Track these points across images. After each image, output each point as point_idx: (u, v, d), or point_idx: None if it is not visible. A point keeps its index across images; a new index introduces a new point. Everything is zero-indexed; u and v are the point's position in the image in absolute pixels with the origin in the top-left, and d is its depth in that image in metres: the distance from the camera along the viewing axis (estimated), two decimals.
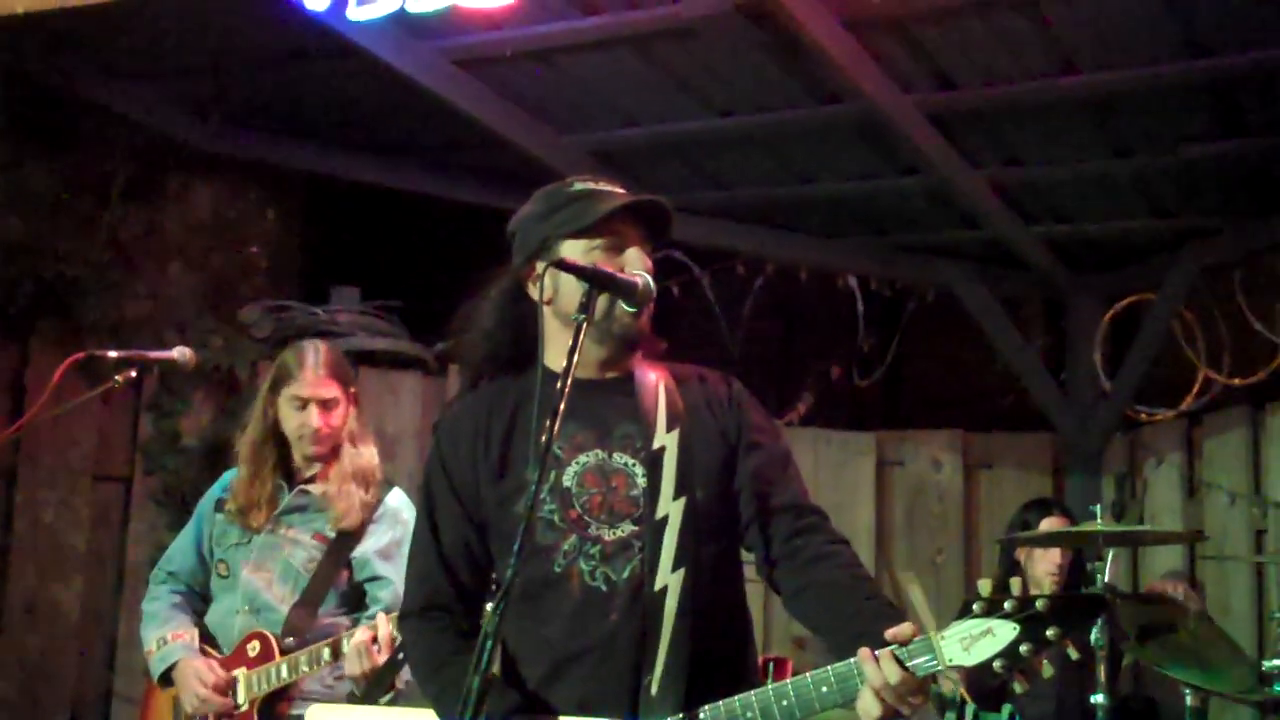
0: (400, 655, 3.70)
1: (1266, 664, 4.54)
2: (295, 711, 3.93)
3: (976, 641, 2.25)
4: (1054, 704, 5.41)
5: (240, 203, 6.84)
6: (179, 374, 6.12)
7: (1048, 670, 4.97)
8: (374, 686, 3.72)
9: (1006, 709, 4.68)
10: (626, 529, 2.55)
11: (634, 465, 2.58)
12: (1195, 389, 6.69)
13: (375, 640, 3.67)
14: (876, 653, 2.28)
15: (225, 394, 6.29)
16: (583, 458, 2.60)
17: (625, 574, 2.52)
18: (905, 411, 8.11)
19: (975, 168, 6.02)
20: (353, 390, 4.09)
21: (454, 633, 2.64)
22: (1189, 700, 4.79)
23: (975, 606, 2.26)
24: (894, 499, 7.21)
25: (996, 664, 2.23)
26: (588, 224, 2.60)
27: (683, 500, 2.54)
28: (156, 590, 4.21)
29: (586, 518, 2.56)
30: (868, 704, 2.28)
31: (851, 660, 2.30)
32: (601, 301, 2.54)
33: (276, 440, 4.08)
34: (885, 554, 7.05)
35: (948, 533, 7.11)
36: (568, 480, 2.58)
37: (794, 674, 2.42)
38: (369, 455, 4.07)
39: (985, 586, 2.37)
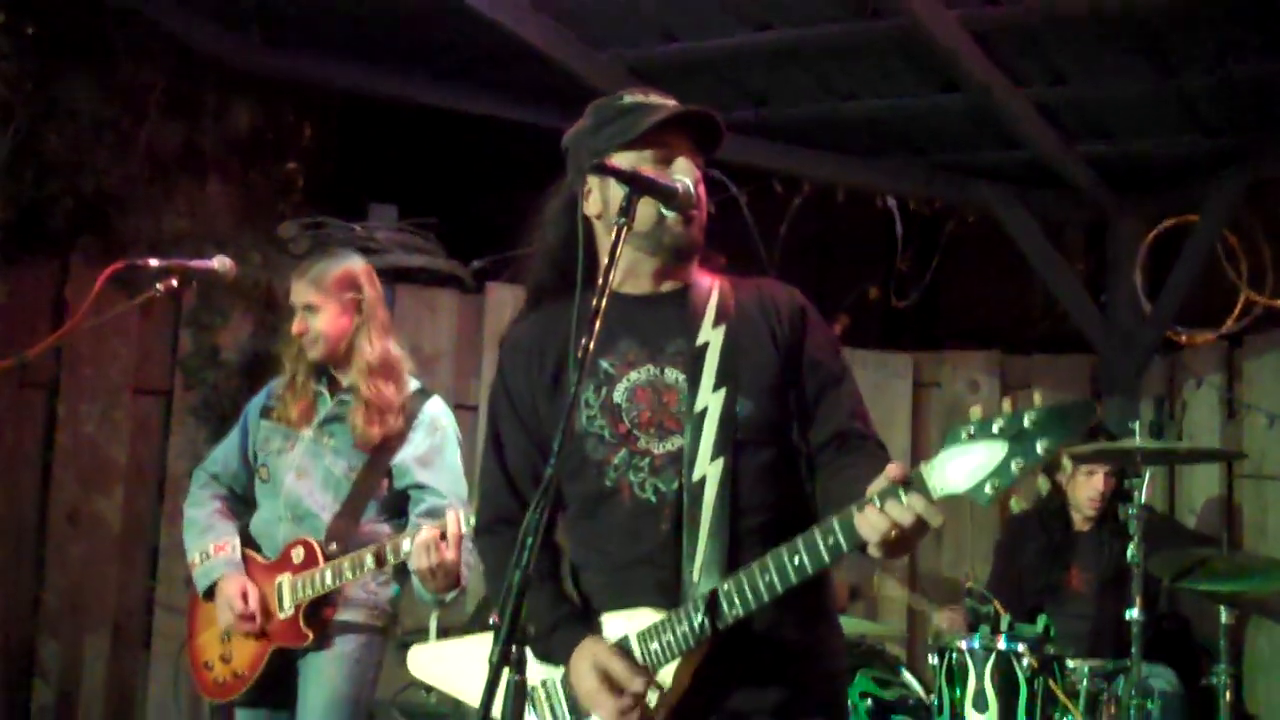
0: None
1: None
2: (340, 617, 4.01)
3: (966, 467, 2.21)
4: (1090, 619, 5.45)
5: (278, 120, 6.83)
6: (218, 289, 6.18)
7: (1044, 485, 4.99)
8: (437, 579, 3.75)
9: (1042, 620, 4.70)
10: (675, 443, 2.58)
11: (682, 379, 2.61)
12: (1237, 311, 6.64)
13: (444, 536, 3.71)
14: (872, 495, 2.27)
15: (264, 309, 6.31)
16: (634, 374, 2.63)
17: (674, 485, 2.56)
18: (942, 333, 8.07)
19: (1018, 86, 5.94)
20: (351, 297, 4.11)
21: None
22: (1224, 619, 4.81)
23: (963, 432, 2.22)
24: (930, 420, 7.21)
25: (988, 485, 2.18)
26: (636, 135, 2.61)
27: (722, 392, 2.57)
28: (199, 494, 4.27)
29: (635, 432, 2.60)
30: (872, 548, 2.29)
31: (852, 508, 2.30)
32: (649, 211, 2.57)
33: (300, 352, 4.16)
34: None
35: None
36: (618, 396, 2.62)
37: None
38: (383, 349, 4.11)
39: (975, 413, 2.35)
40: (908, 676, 5.22)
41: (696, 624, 2.44)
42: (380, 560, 3.85)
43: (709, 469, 2.53)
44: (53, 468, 6.19)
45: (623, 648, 2.53)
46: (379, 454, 4.06)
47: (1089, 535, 5.63)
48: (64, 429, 6.21)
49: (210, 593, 4.09)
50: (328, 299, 4.09)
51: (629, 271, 2.68)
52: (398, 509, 4.11)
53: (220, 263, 3.93)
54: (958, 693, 4.63)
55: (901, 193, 7.14)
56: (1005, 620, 4.68)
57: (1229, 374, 6.66)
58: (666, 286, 2.70)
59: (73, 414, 6.21)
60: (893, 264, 7.43)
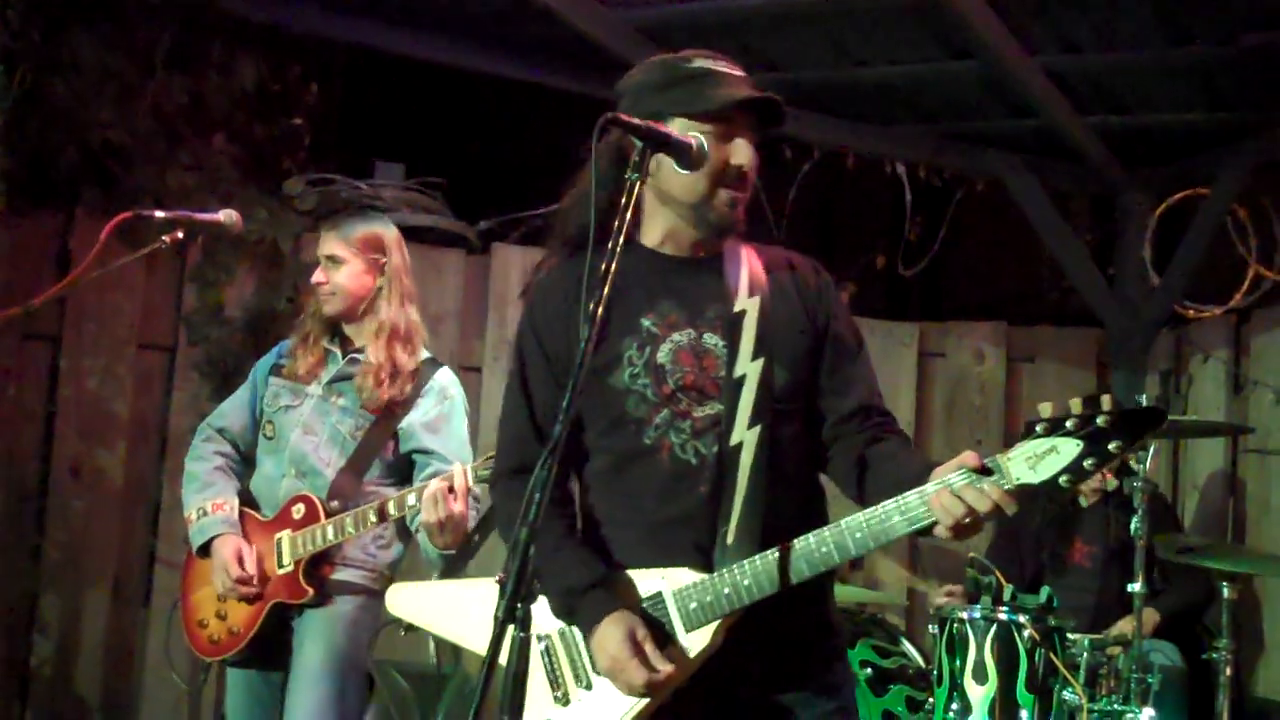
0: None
1: None
2: (337, 576, 4.00)
3: (1042, 460, 2.33)
4: (1092, 593, 5.45)
5: (284, 75, 6.78)
6: (223, 245, 6.16)
7: (1111, 483, 5.00)
8: (445, 533, 3.74)
9: (1044, 591, 4.69)
10: (714, 408, 2.62)
11: (721, 345, 2.65)
12: (1245, 285, 6.61)
13: (452, 490, 3.70)
14: (947, 477, 2.37)
15: (268, 266, 6.28)
16: (676, 335, 2.66)
17: (714, 449, 2.60)
18: (949, 303, 8.05)
19: (1030, 54, 5.90)
20: (376, 259, 4.10)
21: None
22: (1226, 594, 4.81)
23: (1039, 427, 2.33)
24: (935, 390, 7.19)
25: (1063, 479, 2.32)
26: (708, 109, 2.60)
27: (760, 361, 2.62)
28: (202, 448, 4.25)
29: (679, 394, 2.63)
30: (941, 529, 2.38)
31: (925, 488, 2.39)
32: (700, 185, 2.61)
33: (316, 308, 4.16)
34: (923, 445, 7.04)
35: (987, 425, 7.09)
36: (662, 357, 2.65)
37: None
38: (401, 314, 4.10)
39: (1046, 409, 2.39)
40: (907, 646, 5.22)
41: (744, 587, 2.49)
42: (383, 514, 3.84)
43: (746, 435, 2.58)
44: (55, 421, 6.18)
45: (656, 604, 2.57)
46: (386, 416, 4.04)
47: (1093, 508, 5.63)
48: (67, 383, 6.19)
49: (205, 549, 4.08)
50: (353, 255, 4.09)
51: (669, 235, 2.72)
52: (402, 473, 4.10)
53: (227, 216, 3.90)
54: (957, 663, 4.62)
55: (911, 160, 7.10)
56: (1008, 591, 4.67)
57: (1236, 349, 6.65)
58: (704, 250, 2.74)
59: (75, 368, 6.18)
60: (901, 232, 7.38)
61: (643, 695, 2.55)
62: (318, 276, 4.10)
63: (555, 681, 2.67)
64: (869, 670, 4.95)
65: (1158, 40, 5.72)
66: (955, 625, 4.65)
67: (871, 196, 7.74)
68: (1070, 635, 4.67)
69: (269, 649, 4.01)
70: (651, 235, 2.73)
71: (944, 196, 7.37)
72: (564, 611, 2.65)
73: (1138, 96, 6.27)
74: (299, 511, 3.98)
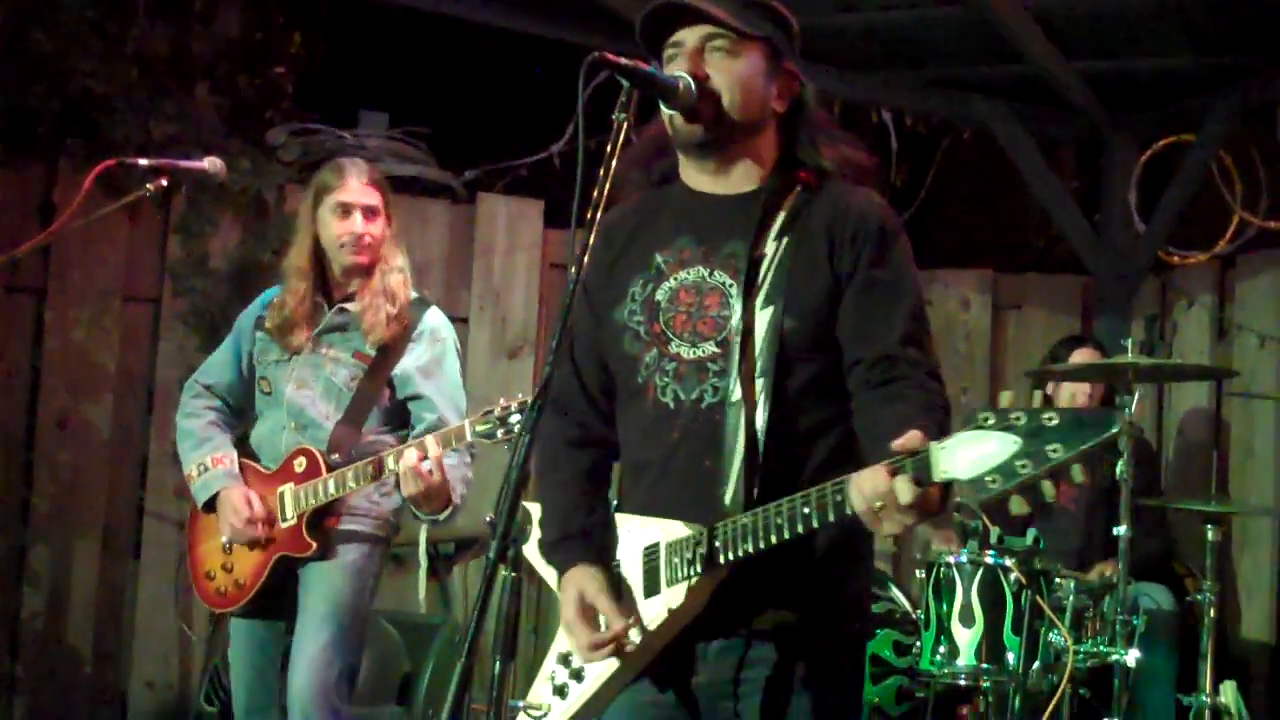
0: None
1: None
2: (343, 526, 4.01)
3: (975, 455, 2.09)
4: (1078, 535, 5.48)
5: (267, 24, 6.74)
6: (206, 196, 6.13)
7: (1049, 492, 5.04)
8: (429, 503, 3.78)
9: (1031, 533, 4.72)
10: (707, 349, 2.51)
11: (731, 285, 2.52)
12: (1230, 232, 6.62)
13: (424, 459, 3.71)
14: (869, 467, 2.21)
15: (253, 217, 6.25)
16: (683, 273, 2.57)
17: (693, 395, 2.51)
18: (935, 251, 8.05)
19: None
20: (389, 212, 4.11)
21: (575, 428, 2.70)
22: (1210, 536, 4.84)
23: (981, 418, 2.10)
24: None
25: (990, 479, 2.07)
26: (641, 36, 2.57)
27: (770, 310, 2.48)
28: (192, 404, 4.24)
29: (668, 333, 2.55)
30: (863, 515, 2.22)
31: (858, 474, 2.23)
32: (663, 109, 2.53)
33: (316, 257, 4.11)
34: None
35: (974, 372, 7.10)
36: (660, 295, 2.57)
37: None
38: (399, 277, 4.10)
39: (1005, 398, 2.30)
40: (894, 591, 5.25)
41: (716, 549, 2.41)
42: (380, 471, 3.85)
43: (749, 388, 2.46)
44: (41, 373, 6.16)
45: (652, 556, 2.51)
46: (379, 364, 4.04)
47: None
48: (52, 335, 6.17)
49: (210, 505, 4.08)
50: (385, 203, 4.10)
51: (688, 169, 2.64)
52: (402, 419, 4.10)
53: (211, 163, 3.89)
54: (944, 607, 4.65)
55: (897, 107, 7.08)
56: (995, 534, 4.69)
57: (1220, 294, 6.66)
58: (736, 185, 2.61)
59: (61, 320, 6.16)
60: (887, 179, 7.37)
61: (588, 658, 2.52)
62: (357, 227, 4.03)
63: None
64: None
65: None
66: (942, 569, 4.67)
67: (865, 154, 7.71)
68: (1057, 578, 4.70)
69: (275, 600, 4.03)
70: (686, 172, 2.64)
71: (930, 144, 7.37)
72: (546, 560, 2.64)
73: (1124, 41, 6.25)
74: (301, 465, 3.98)
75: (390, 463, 3.83)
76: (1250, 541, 6.26)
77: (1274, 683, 5.96)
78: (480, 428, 3.70)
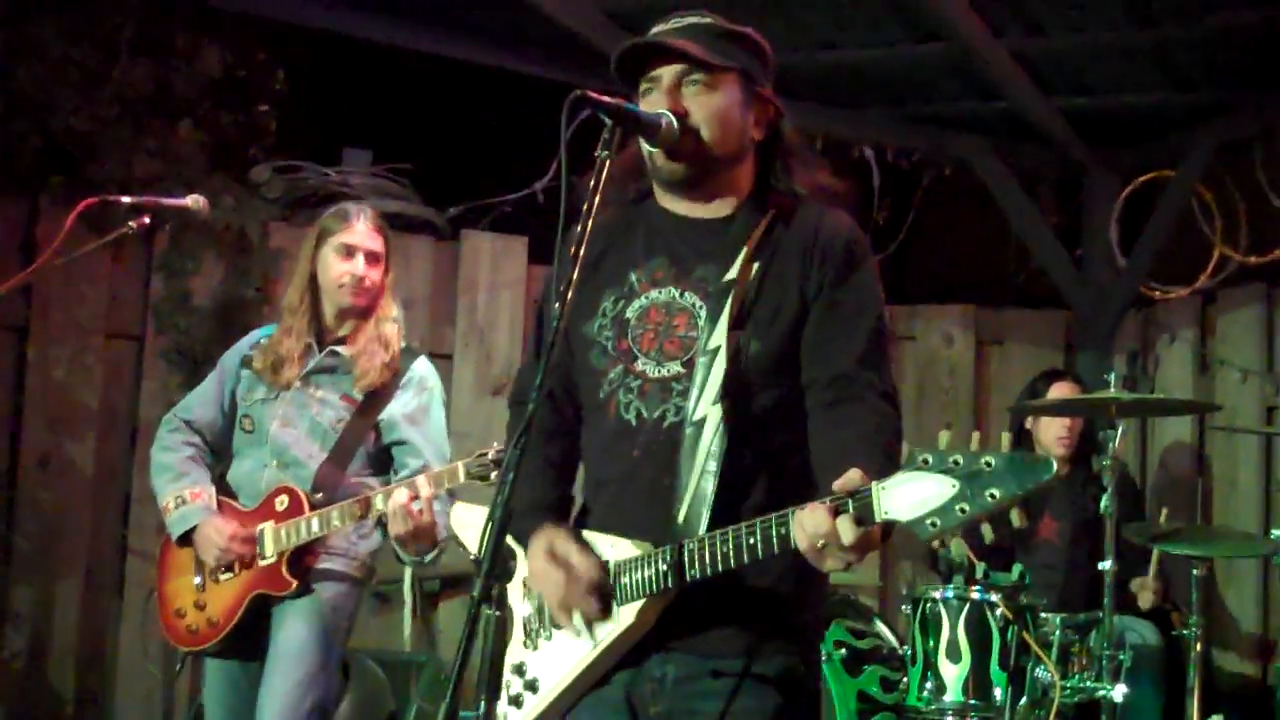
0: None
1: (1275, 532, 4.59)
2: (321, 565, 3.98)
3: (915, 497, 2.12)
4: (1060, 569, 5.48)
5: (250, 62, 6.74)
6: (190, 233, 6.12)
7: (988, 535, 5.02)
8: (416, 543, 3.77)
9: (1017, 568, 4.73)
10: (672, 369, 2.53)
11: (701, 307, 2.54)
12: (1210, 266, 6.65)
13: (415, 499, 3.71)
14: (811, 504, 2.22)
15: (236, 254, 6.24)
16: (654, 293, 2.59)
17: (656, 413, 2.52)
18: (917, 286, 8.07)
19: (997, 35, 5.92)
20: (389, 263, 4.15)
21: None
22: (1195, 572, 4.85)
23: (920, 459, 2.13)
24: (905, 373, 7.21)
25: (930, 521, 2.10)
26: (617, 71, 2.58)
27: (737, 334, 2.49)
28: (170, 438, 4.22)
29: (635, 351, 2.56)
30: (806, 552, 2.24)
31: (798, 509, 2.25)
32: (642, 147, 2.55)
33: (313, 297, 4.11)
34: None
35: (957, 408, 7.11)
36: (630, 312, 2.59)
37: None
38: (395, 327, 4.13)
39: (944, 439, 2.31)
40: (881, 626, 5.24)
41: (661, 573, 2.42)
42: (366, 511, 3.83)
43: (710, 410, 2.46)
44: (23, 412, 6.13)
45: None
46: (367, 408, 4.04)
47: (1062, 484, 5.65)
48: (34, 373, 6.13)
49: (185, 539, 4.06)
50: (386, 253, 4.14)
51: (664, 194, 2.66)
52: (385, 464, 4.10)
53: (194, 200, 3.88)
54: (931, 643, 4.65)
55: (878, 144, 7.12)
56: (980, 569, 4.69)
57: (1202, 329, 6.69)
58: (713, 210, 2.63)
59: (43, 358, 6.13)
60: (869, 216, 7.40)
61: (560, 612, 2.51)
62: (360, 269, 4.06)
63: (528, 628, 2.67)
64: (843, 651, 4.96)
65: (1123, 21, 5.76)
66: (928, 605, 4.67)
67: (840, 180, 7.73)
68: (1043, 614, 4.70)
69: (249, 640, 3.98)
70: (661, 194, 2.66)
71: (912, 180, 7.39)
72: (514, 536, 2.62)
73: (1103, 78, 6.31)
74: (283, 503, 3.96)
75: (378, 502, 3.82)
76: (1235, 576, 6.26)
77: (1261, 717, 5.95)
78: (474, 469, 3.69)
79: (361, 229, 4.09)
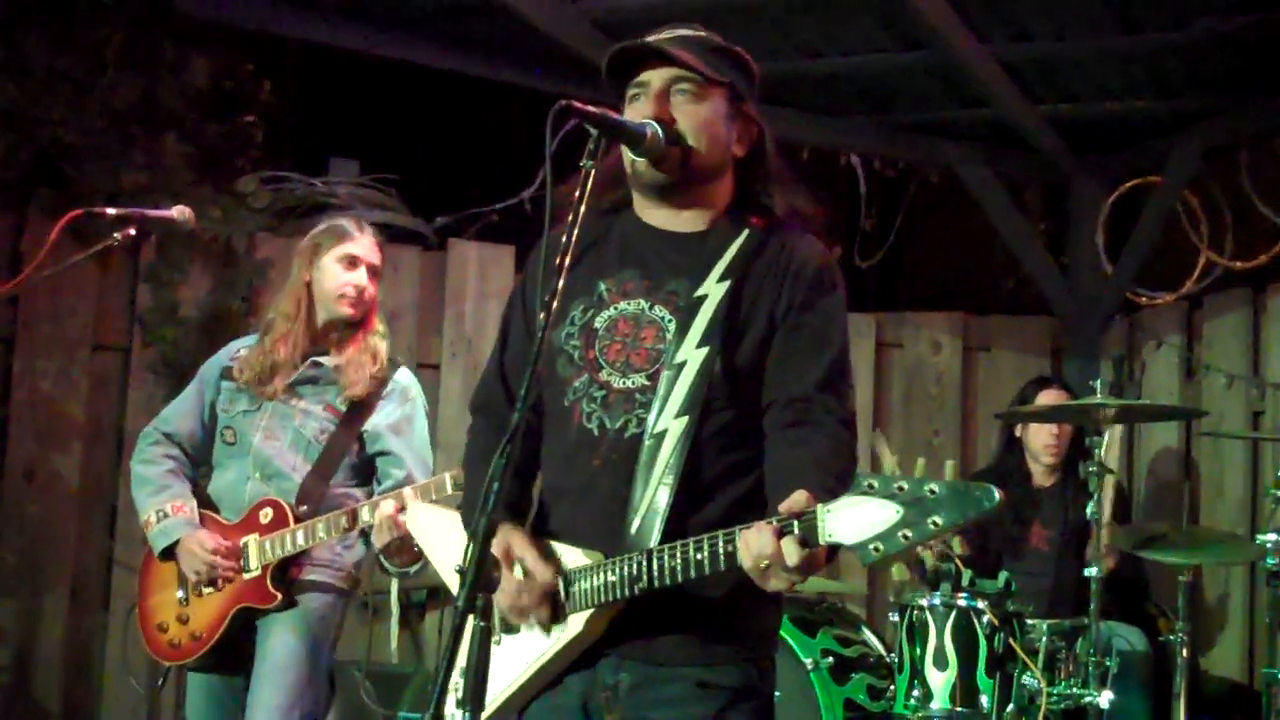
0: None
1: (1261, 537, 4.60)
2: (305, 576, 3.98)
3: (859, 521, 2.15)
4: (1049, 577, 5.49)
5: (236, 73, 6.74)
6: (176, 244, 6.11)
7: (929, 559, 5.04)
8: (402, 554, 3.78)
9: (1003, 575, 4.73)
10: (637, 381, 2.54)
11: (670, 321, 2.56)
12: (1196, 272, 6.67)
13: (402, 510, 3.71)
14: (757, 524, 2.25)
15: (223, 265, 6.23)
16: (624, 304, 2.60)
17: (618, 424, 2.53)
18: (905, 294, 8.10)
19: (982, 42, 5.93)
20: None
21: (496, 432, 2.61)
22: (1181, 577, 4.86)
23: (865, 483, 2.15)
24: (892, 380, 7.22)
25: (873, 547, 2.13)
26: (607, 76, 2.60)
27: (705, 350, 2.50)
28: (150, 451, 4.20)
29: (601, 361, 2.57)
30: (750, 571, 2.26)
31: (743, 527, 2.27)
32: (626, 154, 2.56)
33: (307, 306, 4.11)
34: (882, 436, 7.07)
35: (945, 415, 7.13)
36: (599, 322, 2.60)
37: None
38: (381, 341, 4.15)
39: (888, 464, 2.33)
40: (868, 634, 5.24)
41: (610, 583, 2.43)
42: (354, 522, 3.83)
43: (672, 424, 2.48)
44: (9, 424, 6.11)
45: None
46: (350, 419, 4.04)
47: (1050, 492, 5.67)
48: (20, 385, 6.11)
49: (168, 553, 4.04)
50: (379, 271, 4.18)
51: (641, 203, 2.67)
52: (366, 475, 4.10)
53: (180, 212, 3.88)
54: (918, 650, 4.65)
55: (866, 151, 7.13)
56: (966, 577, 4.70)
57: (1188, 335, 6.71)
58: (689, 223, 2.64)
59: (29, 370, 6.11)
60: (856, 224, 7.42)
61: (512, 615, 2.53)
62: (362, 280, 4.09)
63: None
64: (830, 659, 4.96)
65: (1108, 28, 5.77)
66: (915, 612, 4.68)
67: (826, 188, 7.76)
68: (1029, 620, 4.71)
69: (232, 653, 3.98)
70: (639, 205, 2.67)
71: (898, 187, 7.41)
72: (466, 532, 2.64)
73: (1089, 84, 6.32)
74: (266, 515, 3.95)
75: (365, 514, 3.82)
76: (1222, 581, 6.27)
77: None
78: (462, 480, 3.69)
79: (366, 242, 4.15)
